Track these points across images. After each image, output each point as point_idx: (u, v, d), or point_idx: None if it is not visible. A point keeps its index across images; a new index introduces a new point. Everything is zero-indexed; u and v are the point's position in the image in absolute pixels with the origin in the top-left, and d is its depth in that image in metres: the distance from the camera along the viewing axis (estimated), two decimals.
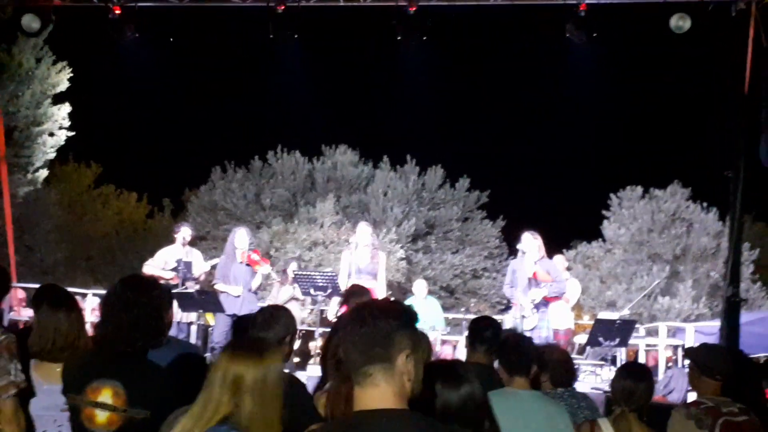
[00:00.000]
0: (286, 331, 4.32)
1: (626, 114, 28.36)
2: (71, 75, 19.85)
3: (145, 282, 3.91)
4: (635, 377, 4.74)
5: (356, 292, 6.79)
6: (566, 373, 5.48)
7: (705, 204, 22.59)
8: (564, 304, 11.41)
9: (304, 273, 11.07)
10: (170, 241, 11.78)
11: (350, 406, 2.51)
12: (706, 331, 13.08)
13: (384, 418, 2.36)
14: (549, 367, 5.34)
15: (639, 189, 23.14)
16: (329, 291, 10.53)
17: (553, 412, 4.53)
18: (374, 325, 2.43)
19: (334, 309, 10.83)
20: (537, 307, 10.28)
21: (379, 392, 2.40)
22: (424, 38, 10.93)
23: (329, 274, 10.70)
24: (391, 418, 2.37)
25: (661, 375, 11.28)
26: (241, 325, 5.34)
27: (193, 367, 4.81)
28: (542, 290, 10.31)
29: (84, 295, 13.15)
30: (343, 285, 10.72)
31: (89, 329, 12.31)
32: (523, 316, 10.29)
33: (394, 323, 2.46)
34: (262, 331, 4.29)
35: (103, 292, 16.04)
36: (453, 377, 3.38)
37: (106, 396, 3.56)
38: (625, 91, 25.80)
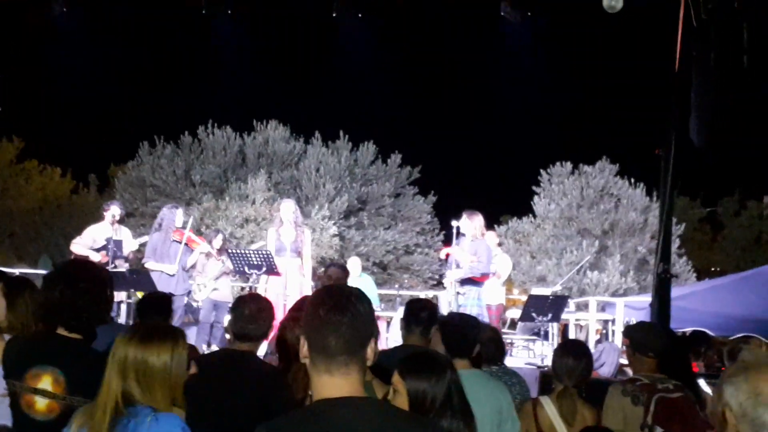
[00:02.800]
0: (269, 326, 4.32)
1: (557, 92, 28.65)
2: None
3: (86, 264, 3.84)
4: (576, 355, 4.80)
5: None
6: (497, 350, 5.54)
7: (632, 180, 23.00)
8: (495, 280, 11.54)
9: (238, 251, 10.95)
10: (98, 218, 11.56)
11: (301, 390, 2.46)
12: (636, 305, 13.32)
13: (350, 407, 2.31)
14: (480, 345, 5.39)
15: (568, 165, 23.42)
16: (264, 269, 10.46)
17: (495, 389, 4.58)
18: (356, 311, 2.36)
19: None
20: (462, 284, 10.37)
21: (350, 381, 2.35)
22: (360, 15, 10.88)
23: (263, 251, 10.61)
24: (357, 406, 2.33)
25: (591, 349, 11.47)
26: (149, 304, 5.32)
27: None
28: (459, 271, 10.40)
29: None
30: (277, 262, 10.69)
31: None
32: (458, 293, 10.37)
33: (370, 309, 2.41)
34: (249, 324, 4.27)
35: (29, 270, 15.76)
36: (434, 369, 3.39)
37: (45, 383, 3.50)
38: (557, 70, 26.03)
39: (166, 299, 5.87)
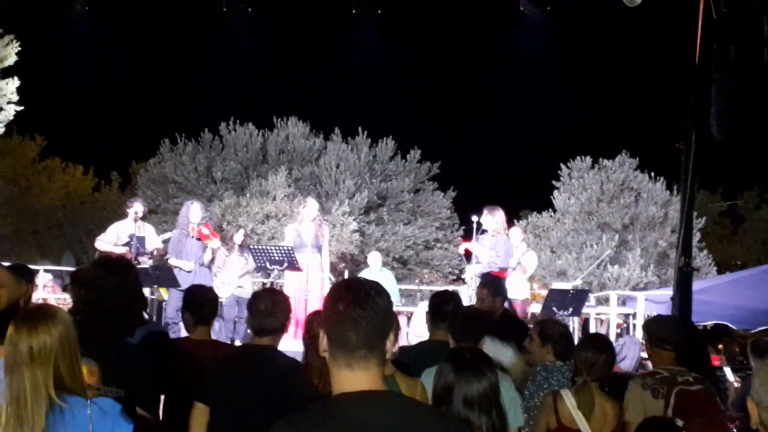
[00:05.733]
0: (286, 317, 4.35)
1: (577, 86, 28.58)
2: (19, 49, 19.43)
3: (122, 264, 3.89)
4: (597, 348, 4.80)
5: None
6: (569, 346, 5.51)
7: (653, 174, 22.89)
8: (520, 275, 11.55)
9: (260, 247, 11.03)
10: (120, 215, 11.66)
11: (328, 384, 2.48)
12: (657, 299, 13.29)
13: (370, 401, 2.33)
14: (552, 340, 5.38)
15: (588, 159, 23.33)
16: (285, 265, 10.54)
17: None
18: (375, 306, 2.37)
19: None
20: (482, 279, 10.39)
21: (370, 375, 2.36)
22: (379, 11, 10.92)
23: (285, 248, 10.69)
24: (377, 400, 2.35)
25: (612, 343, 11.47)
26: (194, 297, 5.31)
27: (160, 345, 4.82)
28: (478, 266, 10.43)
29: (36, 272, 12.98)
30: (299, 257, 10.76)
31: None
32: None
33: (389, 302, 2.42)
34: (266, 318, 4.30)
35: (53, 267, 15.91)
36: (476, 369, 3.44)
37: None
38: (577, 64, 26.00)
39: None
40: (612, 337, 12.42)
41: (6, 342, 2.99)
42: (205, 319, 5.20)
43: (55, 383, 2.90)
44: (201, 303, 5.21)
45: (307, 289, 10.84)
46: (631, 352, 10.30)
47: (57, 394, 2.90)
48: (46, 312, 3.04)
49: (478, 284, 8.68)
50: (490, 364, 3.60)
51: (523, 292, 11.57)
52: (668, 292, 11.08)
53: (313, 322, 4.43)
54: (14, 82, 19.51)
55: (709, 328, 11.91)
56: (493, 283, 8.27)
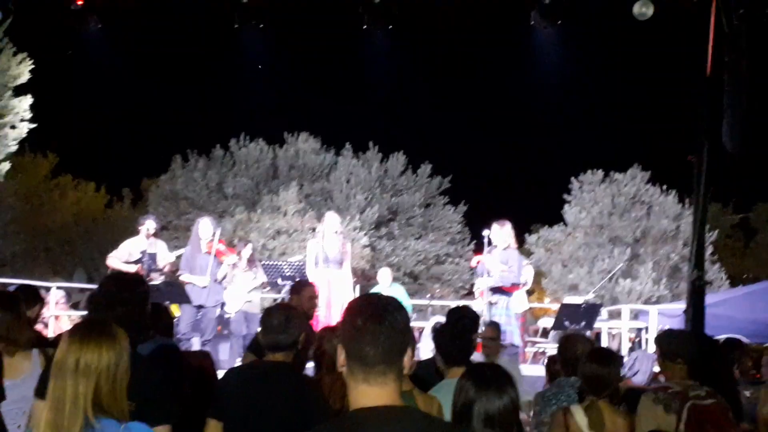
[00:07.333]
0: (299, 333, 4.33)
1: (587, 99, 28.54)
2: (32, 66, 19.52)
3: (129, 278, 3.91)
4: (602, 362, 4.76)
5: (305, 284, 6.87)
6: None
7: (664, 187, 22.84)
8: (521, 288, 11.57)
9: (271, 263, 11.04)
10: (132, 231, 11.68)
11: (338, 400, 2.47)
12: (669, 313, 13.25)
13: (389, 416, 2.31)
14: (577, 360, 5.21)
15: (599, 173, 23.31)
16: (297, 280, 10.52)
17: None
18: (394, 321, 2.36)
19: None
20: (493, 293, 10.39)
21: (387, 390, 2.35)
22: (389, 27, 10.94)
23: (296, 263, 10.69)
24: (396, 415, 2.33)
25: (625, 358, 11.42)
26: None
27: (171, 359, 4.82)
28: (490, 279, 10.41)
29: (48, 289, 13.04)
30: (311, 274, 10.73)
31: (54, 322, 12.19)
32: (490, 303, 10.40)
33: (407, 318, 2.41)
34: (279, 334, 4.28)
35: (65, 284, 15.96)
36: (497, 385, 3.43)
37: None
38: (587, 77, 25.96)
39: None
40: (624, 352, 12.37)
41: (59, 346, 3.03)
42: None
43: (94, 401, 2.91)
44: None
45: (331, 304, 10.77)
46: (643, 367, 10.24)
47: (93, 412, 2.91)
48: (102, 330, 3.06)
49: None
50: (511, 380, 3.57)
51: (524, 305, 11.58)
52: (681, 306, 11.02)
53: (323, 339, 4.42)
54: (27, 100, 19.56)
55: (721, 341, 11.82)
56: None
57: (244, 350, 11.22)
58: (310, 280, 10.61)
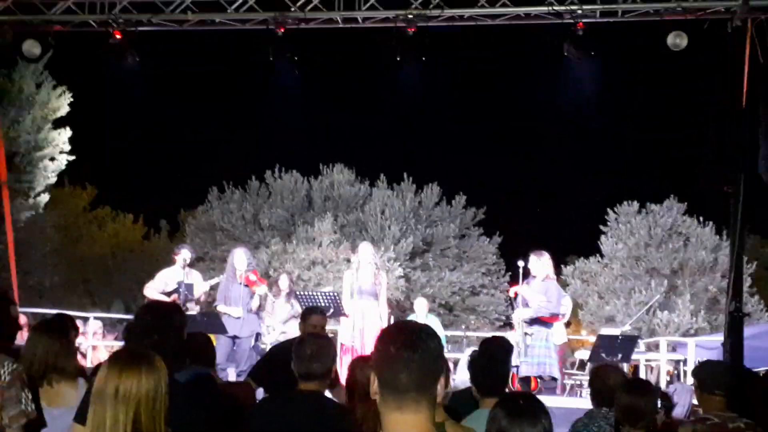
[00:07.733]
0: (333, 361, 4.34)
1: (623, 130, 28.47)
2: (71, 100, 19.89)
3: (166, 307, 3.94)
4: (638, 393, 4.71)
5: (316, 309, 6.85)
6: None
7: (701, 218, 22.67)
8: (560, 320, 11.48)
9: (306, 293, 11.06)
10: (168, 262, 11.77)
11: (371, 429, 2.45)
12: (707, 345, 13.07)
13: None
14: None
15: (636, 204, 23.20)
16: (331, 311, 10.53)
17: None
18: (427, 348, 2.34)
19: (346, 333, 10.84)
20: (531, 324, 10.32)
21: (420, 418, 2.32)
22: (423, 58, 10.97)
23: (331, 294, 10.70)
24: None
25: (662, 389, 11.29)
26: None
27: (206, 387, 4.84)
28: (528, 310, 10.34)
29: (86, 319, 13.17)
30: (346, 305, 10.73)
31: (91, 352, 12.28)
32: (526, 333, 10.33)
33: (440, 345, 2.40)
34: (313, 363, 4.28)
35: (104, 315, 16.12)
36: (530, 414, 3.41)
37: None
38: (623, 108, 25.93)
39: None
40: (662, 384, 12.22)
41: (99, 373, 3.03)
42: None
43: (134, 428, 2.92)
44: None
45: (365, 336, 10.70)
46: (682, 399, 10.08)
47: None
48: (141, 359, 3.06)
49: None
50: (545, 410, 3.54)
51: (563, 337, 11.47)
52: (719, 338, 10.89)
53: (355, 368, 4.41)
54: (66, 133, 19.93)
55: (761, 374, 11.64)
56: None
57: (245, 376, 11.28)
58: (346, 312, 10.66)
